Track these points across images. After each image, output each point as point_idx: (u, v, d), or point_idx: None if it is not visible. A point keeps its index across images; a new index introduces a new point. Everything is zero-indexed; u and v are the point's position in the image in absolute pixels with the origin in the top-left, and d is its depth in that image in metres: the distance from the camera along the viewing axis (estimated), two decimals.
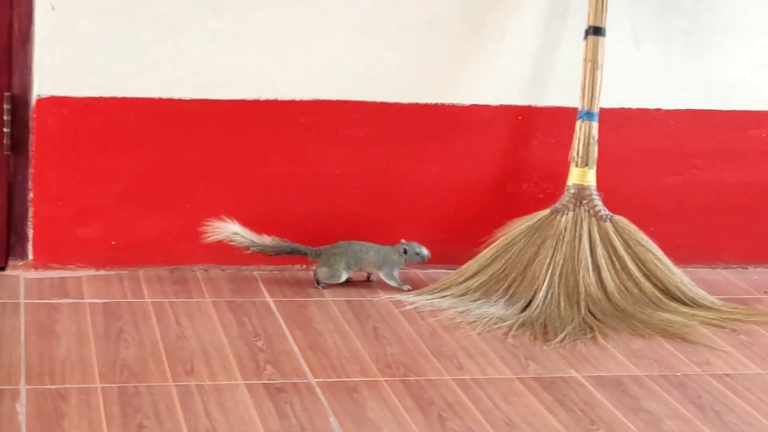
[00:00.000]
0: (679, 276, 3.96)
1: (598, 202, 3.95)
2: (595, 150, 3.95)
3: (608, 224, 3.94)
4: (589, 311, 3.80)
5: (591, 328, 3.71)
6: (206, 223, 3.88)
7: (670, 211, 4.27)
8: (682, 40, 4.19)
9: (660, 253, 3.97)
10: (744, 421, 3.13)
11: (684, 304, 3.92)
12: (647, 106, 4.19)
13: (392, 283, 3.95)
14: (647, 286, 3.91)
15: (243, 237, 3.90)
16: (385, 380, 3.24)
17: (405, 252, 3.95)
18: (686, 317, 3.83)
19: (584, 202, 3.95)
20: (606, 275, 3.88)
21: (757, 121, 4.29)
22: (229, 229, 3.90)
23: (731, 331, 3.78)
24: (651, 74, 4.17)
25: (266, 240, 3.92)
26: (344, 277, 3.94)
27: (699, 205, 4.30)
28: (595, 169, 3.96)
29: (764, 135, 4.30)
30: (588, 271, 3.87)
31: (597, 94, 3.95)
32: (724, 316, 3.87)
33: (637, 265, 3.93)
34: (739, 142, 4.29)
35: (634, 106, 4.19)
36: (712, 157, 4.28)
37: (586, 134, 3.95)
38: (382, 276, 3.97)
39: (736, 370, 3.48)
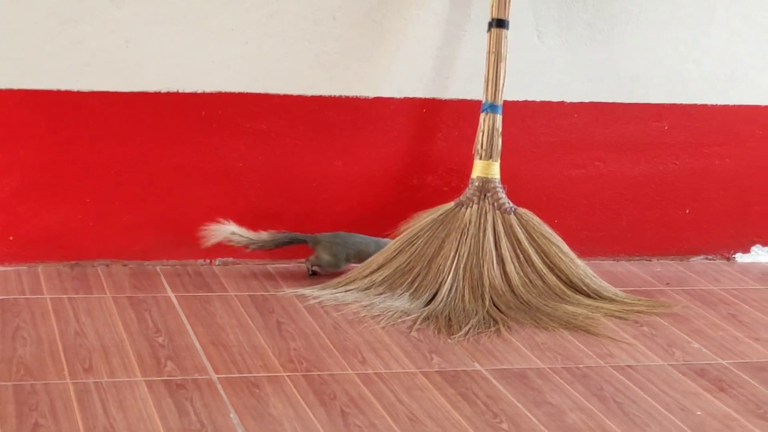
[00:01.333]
0: (583, 268, 3.98)
1: (502, 195, 3.95)
2: (499, 142, 3.95)
3: (512, 217, 3.94)
4: (494, 304, 3.80)
5: (495, 321, 3.71)
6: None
7: (574, 204, 4.29)
8: (586, 33, 4.20)
9: (564, 246, 3.98)
10: (645, 412, 3.14)
11: (588, 296, 3.93)
12: (551, 98, 4.20)
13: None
14: (551, 278, 3.92)
15: (241, 236, 3.90)
16: (288, 375, 3.21)
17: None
18: (590, 309, 3.84)
19: (488, 194, 3.95)
20: (510, 268, 3.88)
21: (659, 113, 4.32)
22: (226, 230, 3.89)
23: (634, 323, 3.80)
24: (555, 67, 4.18)
25: (264, 235, 3.92)
26: (343, 267, 3.96)
27: (603, 197, 4.32)
28: (499, 161, 3.96)
29: (666, 127, 4.33)
30: (492, 264, 3.87)
31: (501, 87, 3.94)
32: (627, 308, 3.89)
33: (541, 257, 3.93)
34: (641, 134, 4.31)
35: (538, 99, 4.19)
36: (615, 149, 4.30)
37: (490, 127, 3.95)
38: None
39: (638, 361, 3.50)
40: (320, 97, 4.02)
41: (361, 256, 3.97)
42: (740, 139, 4.40)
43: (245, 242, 3.91)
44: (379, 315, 3.69)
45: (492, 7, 3.94)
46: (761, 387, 3.36)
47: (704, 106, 4.35)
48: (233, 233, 3.90)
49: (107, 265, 3.93)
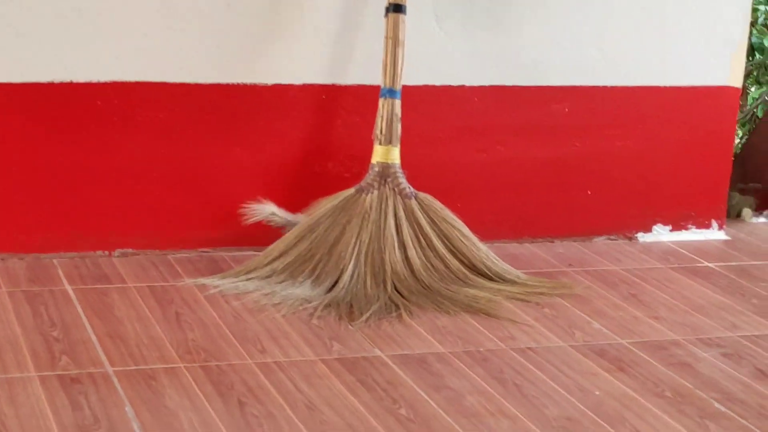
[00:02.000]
0: (485, 251, 3.98)
1: (403, 180, 3.94)
2: (398, 127, 3.94)
3: (413, 202, 3.93)
4: (396, 289, 3.79)
5: (397, 306, 3.70)
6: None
7: (477, 188, 4.29)
8: (485, 17, 4.20)
9: (466, 230, 3.98)
10: (544, 393, 3.15)
11: (490, 279, 3.93)
12: (451, 83, 4.19)
13: None
14: (453, 262, 3.92)
15: (279, 217, 3.89)
16: (185, 366, 3.17)
17: None
18: (492, 292, 3.85)
19: (389, 180, 3.93)
20: (412, 253, 3.87)
21: (560, 96, 4.33)
22: (266, 210, 3.89)
23: (535, 305, 3.81)
24: (454, 51, 4.18)
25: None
26: None
27: (505, 181, 4.33)
28: (399, 146, 3.94)
29: (567, 110, 4.34)
30: (394, 249, 3.86)
31: (399, 72, 3.93)
32: (529, 290, 3.90)
33: (443, 242, 3.93)
34: (543, 117, 4.32)
35: (438, 83, 4.18)
36: (517, 132, 4.31)
37: (389, 112, 3.93)
38: None
39: (539, 343, 3.50)
40: (219, 85, 3.98)
41: None
42: (641, 120, 4.42)
43: (283, 223, 3.91)
44: (279, 303, 3.66)
45: None
46: (660, 366, 3.38)
47: (605, 88, 4.37)
48: (273, 213, 3.91)
49: (3, 259, 3.87)
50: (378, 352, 3.37)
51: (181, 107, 3.95)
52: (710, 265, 4.31)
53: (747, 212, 4.89)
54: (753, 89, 10.54)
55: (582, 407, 3.08)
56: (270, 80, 4.01)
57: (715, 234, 4.61)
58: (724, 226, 4.65)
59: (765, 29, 9.07)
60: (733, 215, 4.86)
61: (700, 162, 4.53)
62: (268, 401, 3.01)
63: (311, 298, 3.71)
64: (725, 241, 4.59)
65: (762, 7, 9.04)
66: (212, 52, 3.93)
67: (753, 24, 9.17)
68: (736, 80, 4.52)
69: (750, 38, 8.76)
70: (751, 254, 4.46)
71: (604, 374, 3.30)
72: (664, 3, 4.38)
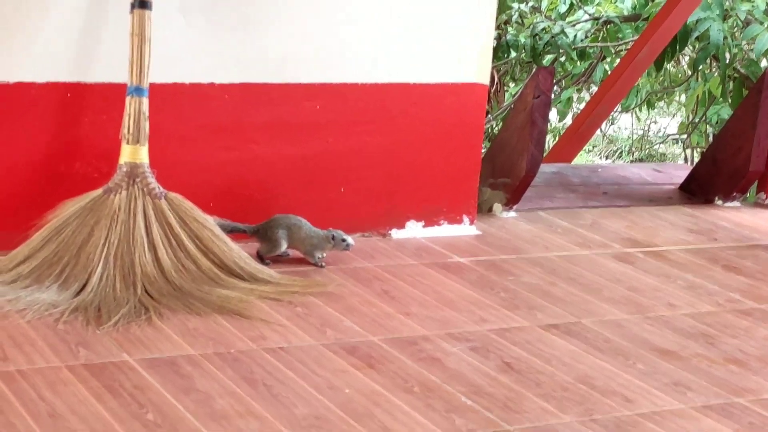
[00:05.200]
0: (237, 251, 3.94)
1: (152, 180, 3.87)
2: (146, 126, 3.87)
3: (163, 202, 3.87)
4: (146, 291, 3.72)
5: (147, 308, 3.63)
6: None
7: (228, 186, 4.25)
8: (233, 14, 4.16)
9: (217, 229, 3.94)
10: (294, 393, 3.14)
11: (242, 279, 3.90)
12: (200, 80, 4.14)
13: (311, 260, 4.13)
14: (205, 262, 3.87)
15: None
16: None
17: (333, 238, 4.09)
18: (244, 292, 3.82)
19: (138, 180, 3.86)
20: (162, 254, 3.80)
21: (311, 93, 4.33)
22: None
23: (288, 304, 3.79)
24: (202, 48, 4.13)
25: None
26: (284, 246, 4.10)
27: (257, 178, 4.30)
28: (147, 145, 3.87)
29: (318, 107, 4.34)
30: (144, 250, 3.79)
31: (146, 69, 3.86)
32: (282, 289, 3.89)
33: (194, 242, 3.88)
34: (294, 115, 4.31)
35: (186, 81, 4.13)
36: (268, 130, 4.28)
37: (136, 110, 3.86)
38: (303, 253, 4.14)
39: (290, 342, 3.49)
40: None
41: (292, 239, 4.10)
42: (391, 116, 4.46)
43: None
44: (24, 309, 3.55)
45: None
46: (409, 362, 3.42)
47: (355, 85, 4.39)
48: None
49: None
50: (126, 357, 3.29)
51: None
52: (461, 260, 4.38)
53: (497, 207, 4.99)
54: (512, 85, 10.83)
55: (331, 405, 3.08)
56: (11, 78, 3.88)
57: (466, 229, 4.69)
58: (476, 221, 4.73)
59: (520, 26, 9.31)
60: (484, 210, 4.95)
61: (450, 158, 4.60)
62: (10, 411, 2.91)
63: (58, 302, 3.61)
64: (476, 236, 4.67)
65: (515, 5, 9.27)
66: None
67: (507, 22, 9.41)
68: (483, 77, 4.60)
69: (506, 36, 9.00)
70: (500, 248, 4.55)
71: (354, 371, 3.31)
72: (411, 1, 4.42)
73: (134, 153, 3.86)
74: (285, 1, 4.22)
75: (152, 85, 3.92)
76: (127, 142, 3.86)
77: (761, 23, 7.67)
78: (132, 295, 3.68)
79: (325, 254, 4.15)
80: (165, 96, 4.06)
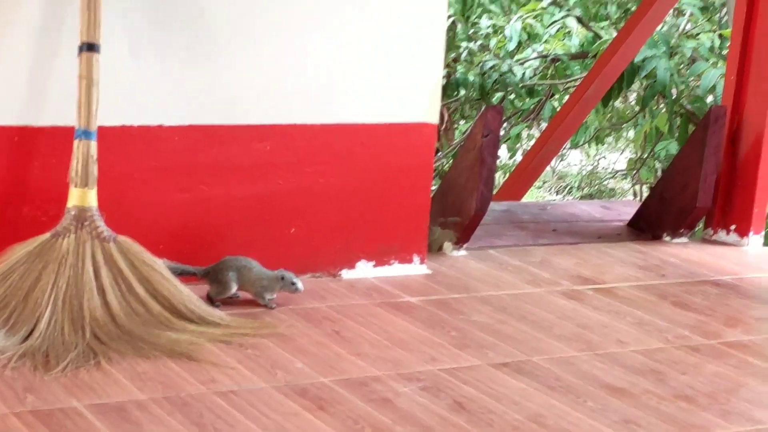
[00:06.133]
0: (187, 294, 3.93)
1: (101, 223, 3.86)
2: (94, 169, 3.86)
3: (112, 245, 3.85)
4: (95, 336, 3.70)
5: (96, 353, 3.60)
6: None
7: (180, 229, 4.24)
8: (183, 56, 4.17)
9: (167, 272, 3.92)
10: None
11: (193, 322, 3.88)
12: (149, 123, 4.14)
13: (261, 302, 4.11)
14: (155, 306, 3.85)
15: None
16: None
17: (282, 279, 4.07)
18: (194, 335, 3.80)
19: (86, 223, 3.84)
20: (111, 297, 3.79)
21: (261, 134, 4.33)
22: None
23: (239, 346, 3.78)
24: (152, 91, 4.13)
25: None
26: (234, 288, 4.09)
27: (210, 220, 4.29)
28: (95, 189, 3.86)
29: (269, 148, 4.35)
30: (93, 294, 3.77)
31: (94, 112, 3.86)
32: (233, 332, 3.88)
33: (143, 285, 3.86)
34: (245, 155, 4.32)
35: (135, 124, 4.12)
36: (218, 172, 4.28)
37: (84, 154, 3.85)
38: (253, 295, 4.12)
39: (241, 385, 3.48)
40: None
41: (242, 281, 4.09)
42: (341, 157, 4.47)
43: None
44: None
45: (81, 31, 3.85)
46: (360, 403, 3.41)
47: (305, 126, 4.41)
48: None
49: None
50: (75, 403, 3.27)
51: None
52: (412, 299, 4.38)
53: (448, 246, 5.01)
54: (461, 123, 10.89)
55: None
56: None
57: (417, 268, 4.70)
58: (426, 261, 4.74)
59: (469, 65, 9.38)
60: (434, 249, 4.97)
61: (400, 198, 4.62)
62: None
63: (5, 348, 3.58)
64: (427, 275, 4.68)
65: (464, 44, 9.34)
66: None
67: (457, 60, 9.47)
68: (433, 117, 4.63)
69: (455, 74, 9.06)
70: (451, 287, 4.56)
71: (305, 414, 3.31)
72: (361, 41, 4.44)
73: (82, 196, 3.85)
74: (234, 43, 4.23)
75: (101, 128, 3.91)
76: (75, 186, 3.85)
77: (707, 60, 7.77)
78: (81, 340, 3.66)
79: (275, 295, 4.15)
80: (114, 139, 4.06)
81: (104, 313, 3.75)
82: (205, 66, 4.21)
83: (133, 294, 3.83)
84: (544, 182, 12.07)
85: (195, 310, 3.91)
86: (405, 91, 4.57)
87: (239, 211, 4.35)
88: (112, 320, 3.75)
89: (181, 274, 4.02)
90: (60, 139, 3.99)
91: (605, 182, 11.72)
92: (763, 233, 5.58)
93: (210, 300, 4.08)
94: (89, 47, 3.85)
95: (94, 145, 3.86)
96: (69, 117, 3.93)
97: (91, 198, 3.86)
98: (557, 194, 11.98)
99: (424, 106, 4.60)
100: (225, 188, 4.31)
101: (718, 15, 9.58)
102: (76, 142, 3.85)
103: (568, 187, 11.99)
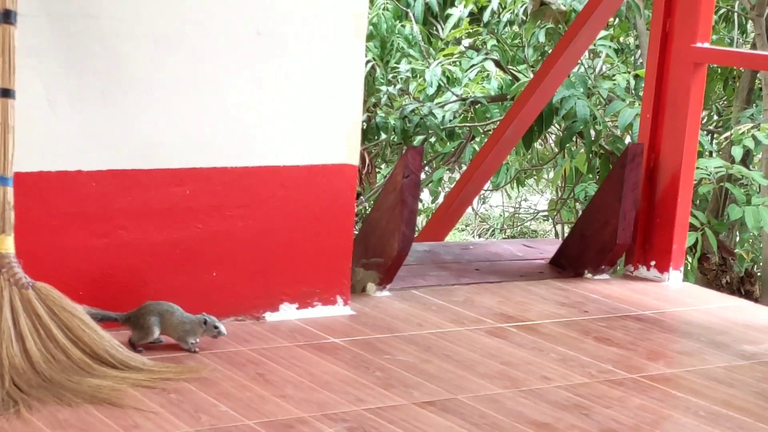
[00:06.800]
0: (108, 339, 3.88)
1: (19, 270, 3.81)
2: (11, 216, 3.82)
3: (31, 292, 3.80)
4: (14, 384, 3.64)
5: (15, 401, 3.54)
6: None
7: (98, 275, 4.20)
8: (100, 101, 4.14)
9: (87, 318, 3.88)
10: None
11: (114, 367, 3.84)
12: (66, 168, 4.10)
13: (184, 346, 4.09)
14: (75, 352, 3.80)
15: None
16: None
17: (205, 323, 4.07)
18: (116, 381, 3.75)
19: (3, 270, 3.79)
20: (31, 345, 3.73)
21: (179, 178, 4.31)
22: None
23: (162, 391, 3.74)
24: (69, 136, 4.09)
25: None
26: (157, 332, 4.05)
27: (127, 265, 4.25)
28: (12, 235, 3.82)
29: (188, 192, 4.32)
30: (11, 342, 3.71)
31: (10, 158, 3.82)
32: (155, 376, 3.83)
33: (63, 331, 3.81)
34: (163, 200, 4.29)
35: (53, 169, 4.08)
36: (137, 216, 4.25)
37: (0, 200, 3.81)
38: (176, 339, 4.09)
39: (165, 430, 3.44)
40: None
41: (164, 325, 4.06)
42: (261, 199, 4.46)
43: None
44: None
45: None
46: None
47: (224, 169, 4.39)
48: None
49: None
50: None
51: None
52: (336, 340, 4.37)
53: (371, 287, 5.00)
54: (383, 167, 10.93)
55: None
56: None
57: (341, 309, 4.69)
58: (350, 302, 4.73)
59: (389, 109, 9.42)
60: (358, 290, 4.96)
61: (322, 239, 4.61)
62: None
63: None
64: (351, 316, 4.67)
65: (384, 88, 9.38)
66: None
67: (377, 104, 9.51)
68: (353, 158, 4.63)
69: (375, 118, 9.10)
70: (375, 328, 4.56)
71: None
72: (277, 84, 4.44)
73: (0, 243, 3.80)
74: (153, 87, 4.22)
75: (17, 174, 3.87)
76: None
77: (623, 100, 7.86)
78: (0, 389, 3.60)
79: (198, 339, 4.11)
80: (31, 184, 4.01)
81: (23, 360, 3.70)
82: (121, 111, 4.18)
83: (53, 341, 3.78)
84: (467, 225, 12.14)
85: (116, 355, 3.86)
86: (325, 133, 4.57)
87: (159, 256, 4.31)
88: (32, 368, 3.70)
89: (102, 320, 3.98)
90: None
91: (527, 223, 11.81)
92: (682, 269, 5.64)
93: (132, 345, 4.04)
94: (4, 93, 3.81)
95: (10, 190, 3.82)
96: None
97: (8, 244, 3.81)
98: (479, 237, 12.04)
99: (344, 148, 4.61)
100: (144, 233, 4.28)
101: (632, 57, 9.73)
102: None
103: (491, 230, 12.07)
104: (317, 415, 3.63)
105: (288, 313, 4.58)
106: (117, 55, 4.15)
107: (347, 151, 4.62)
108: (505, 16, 9.01)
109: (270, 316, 4.54)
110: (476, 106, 8.81)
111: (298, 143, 4.53)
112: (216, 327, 4.10)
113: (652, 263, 5.61)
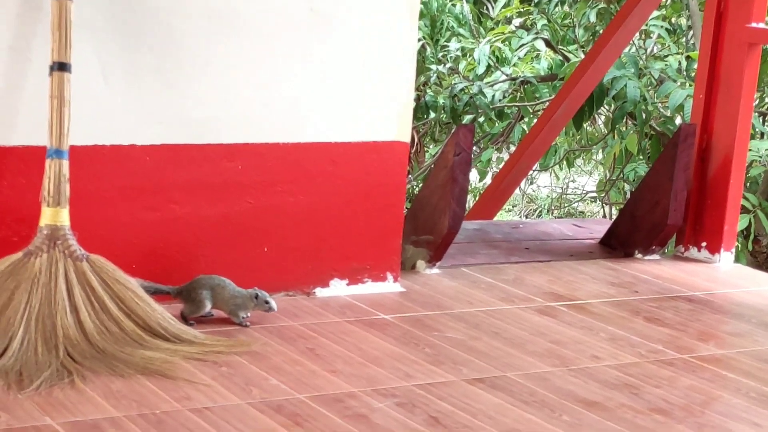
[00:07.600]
0: (161, 312, 3.92)
1: (73, 242, 3.85)
2: (66, 189, 3.85)
3: (85, 264, 3.84)
4: (68, 354, 3.68)
5: (69, 371, 3.59)
6: None
7: (151, 248, 4.23)
8: (154, 76, 4.16)
9: (140, 291, 3.91)
10: None
11: (166, 340, 3.87)
12: (120, 142, 4.13)
13: (235, 320, 4.12)
14: (128, 324, 3.84)
15: None
16: None
17: (256, 297, 4.09)
18: (168, 353, 3.79)
19: (59, 242, 3.83)
20: (85, 316, 3.77)
21: (231, 153, 4.33)
22: None
23: (213, 364, 3.77)
24: (123, 110, 4.12)
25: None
26: (208, 306, 4.09)
27: (180, 239, 4.28)
28: (67, 208, 3.85)
29: (239, 167, 4.35)
30: (66, 313, 3.75)
31: (66, 132, 3.85)
32: (207, 349, 3.86)
33: (116, 303, 3.85)
34: (214, 175, 4.31)
35: (107, 143, 4.11)
36: (189, 191, 4.28)
37: (56, 173, 3.84)
38: (227, 313, 4.12)
39: (216, 402, 3.47)
40: None
41: (216, 299, 4.08)
42: (311, 176, 4.48)
43: None
44: None
45: (52, 50, 3.84)
46: (336, 418, 3.41)
47: (275, 145, 4.41)
48: None
49: None
50: (48, 420, 3.25)
51: None
52: (386, 317, 4.38)
53: (421, 264, 5.01)
54: (432, 146, 10.91)
55: None
56: None
57: (390, 286, 4.70)
58: (399, 279, 4.74)
59: (439, 88, 9.41)
60: (407, 267, 4.97)
61: (373, 216, 4.62)
62: None
63: None
64: (400, 293, 4.68)
65: (434, 67, 9.37)
66: None
67: (426, 83, 9.50)
68: (404, 136, 4.64)
69: (425, 97, 9.09)
70: (424, 305, 4.56)
71: (281, 430, 3.30)
72: (329, 61, 4.45)
73: (55, 215, 3.84)
74: (206, 63, 4.24)
75: (72, 148, 3.90)
76: (48, 205, 3.84)
77: (674, 81, 7.82)
78: (54, 359, 3.64)
79: (249, 314, 4.14)
80: (85, 158, 4.05)
81: (77, 331, 3.74)
82: (174, 86, 4.21)
83: (107, 312, 3.82)
84: (514, 206, 12.11)
85: (169, 328, 3.89)
86: (376, 110, 4.58)
87: (211, 231, 4.34)
88: (86, 339, 3.73)
89: (155, 293, 4.01)
90: (30, 159, 3.98)
91: (575, 204, 11.76)
92: (733, 250, 5.61)
93: (184, 318, 4.07)
94: (60, 66, 3.84)
95: (66, 164, 3.85)
96: (39, 137, 3.92)
97: (64, 217, 3.85)
98: (527, 217, 12.01)
99: (395, 125, 4.61)
100: (196, 208, 4.30)
101: (684, 37, 9.66)
102: (48, 162, 3.83)
103: (538, 210, 12.03)
104: (367, 390, 3.65)
105: (338, 288, 4.59)
106: (171, 30, 4.17)
107: (398, 128, 4.62)
108: None
109: (320, 292, 4.56)
110: (526, 86, 8.78)
111: (350, 120, 4.54)
112: (267, 302, 4.12)
113: (703, 244, 5.58)
